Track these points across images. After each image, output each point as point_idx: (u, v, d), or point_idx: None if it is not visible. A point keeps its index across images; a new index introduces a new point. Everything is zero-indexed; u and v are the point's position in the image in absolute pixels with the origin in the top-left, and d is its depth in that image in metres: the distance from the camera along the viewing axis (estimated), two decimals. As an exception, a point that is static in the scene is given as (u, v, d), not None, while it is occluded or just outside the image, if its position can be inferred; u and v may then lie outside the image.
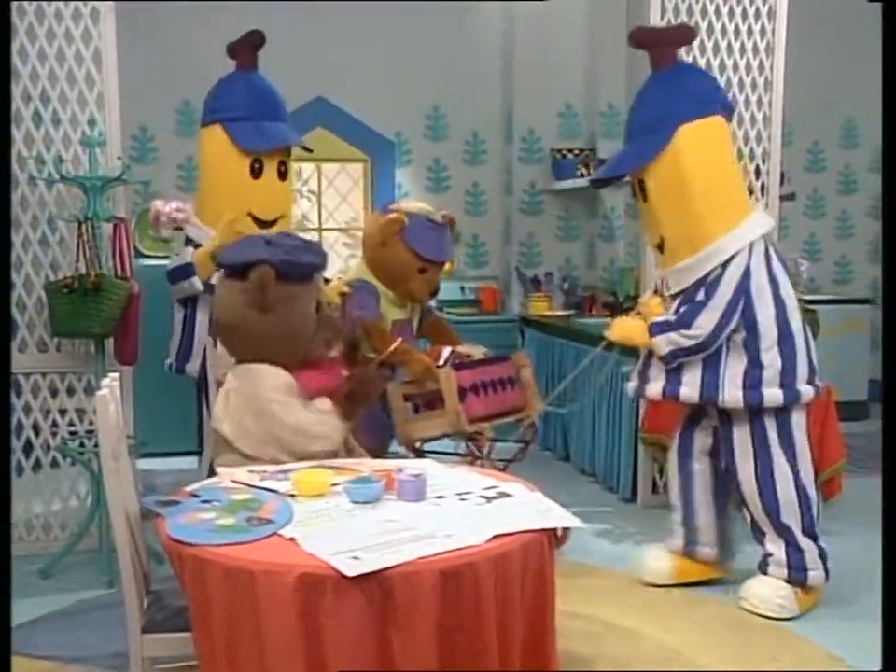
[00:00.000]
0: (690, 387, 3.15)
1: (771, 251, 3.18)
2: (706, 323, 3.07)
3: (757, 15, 4.07)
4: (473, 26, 6.15)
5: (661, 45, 3.22)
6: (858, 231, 6.87)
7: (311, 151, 4.11)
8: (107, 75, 3.65)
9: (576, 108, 6.21)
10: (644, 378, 3.28)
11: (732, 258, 3.08)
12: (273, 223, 3.64)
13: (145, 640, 2.08)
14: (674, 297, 3.25)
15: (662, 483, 4.38)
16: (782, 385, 3.11)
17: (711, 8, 4.04)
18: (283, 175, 3.73)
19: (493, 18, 6.13)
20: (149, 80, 5.49)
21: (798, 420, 3.19)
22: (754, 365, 3.11)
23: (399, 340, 3.33)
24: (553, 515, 2.10)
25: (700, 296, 3.11)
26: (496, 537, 1.88)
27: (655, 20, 4.01)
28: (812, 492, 3.21)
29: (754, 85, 4.10)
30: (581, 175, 5.86)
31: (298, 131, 5.89)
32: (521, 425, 3.92)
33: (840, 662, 2.84)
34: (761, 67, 4.10)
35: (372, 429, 3.68)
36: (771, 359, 3.11)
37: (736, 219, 3.13)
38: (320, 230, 6.26)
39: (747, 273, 3.08)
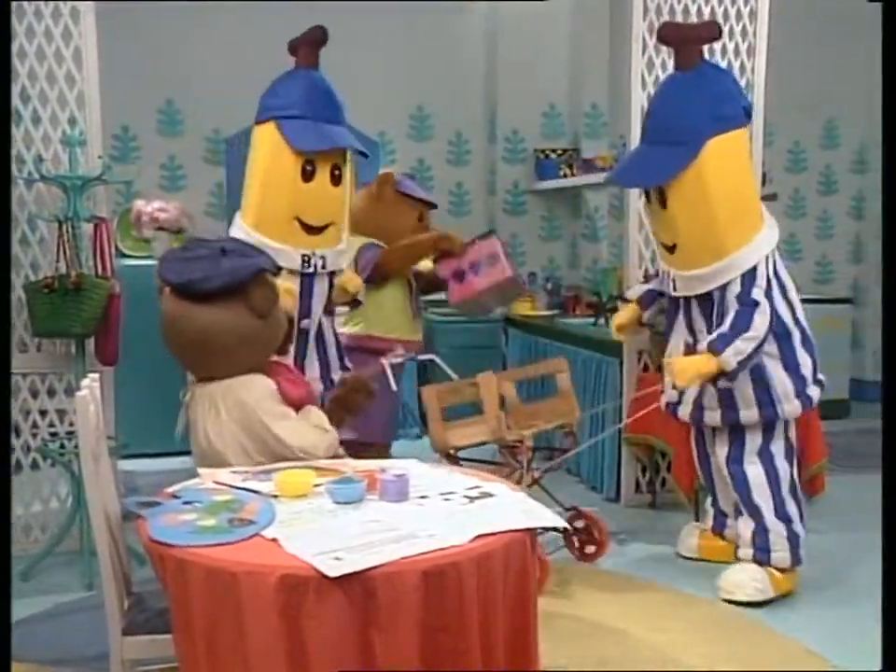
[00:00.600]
0: (747, 411, 3.25)
1: (777, 257, 3.29)
2: (760, 324, 3.10)
3: (738, 16, 4.09)
4: (457, 26, 6.15)
5: (688, 42, 3.15)
6: (838, 232, 6.92)
7: (367, 157, 3.76)
8: (88, 74, 3.62)
9: (559, 108, 6.23)
10: (700, 405, 3.33)
11: (754, 268, 3.14)
12: (322, 230, 3.42)
13: (125, 642, 2.07)
14: (674, 300, 3.36)
15: (645, 483, 4.40)
16: (817, 381, 3.33)
17: (693, 9, 4.06)
18: (336, 179, 3.44)
19: (477, 18, 6.14)
20: (131, 80, 5.46)
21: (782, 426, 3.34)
22: (792, 369, 3.25)
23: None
24: (537, 515, 2.10)
25: (735, 304, 3.13)
26: (478, 536, 1.88)
27: (638, 21, 4.03)
28: (786, 475, 3.30)
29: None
30: (565, 176, 5.88)
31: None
32: (560, 433, 3.78)
33: (824, 660, 2.85)
34: (742, 68, 4.13)
35: (377, 422, 3.93)
36: (804, 359, 3.28)
37: (753, 231, 3.19)
38: (303, 230, 6.24)
39: (769, 282, 3.17)
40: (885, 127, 2.20)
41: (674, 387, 3.30)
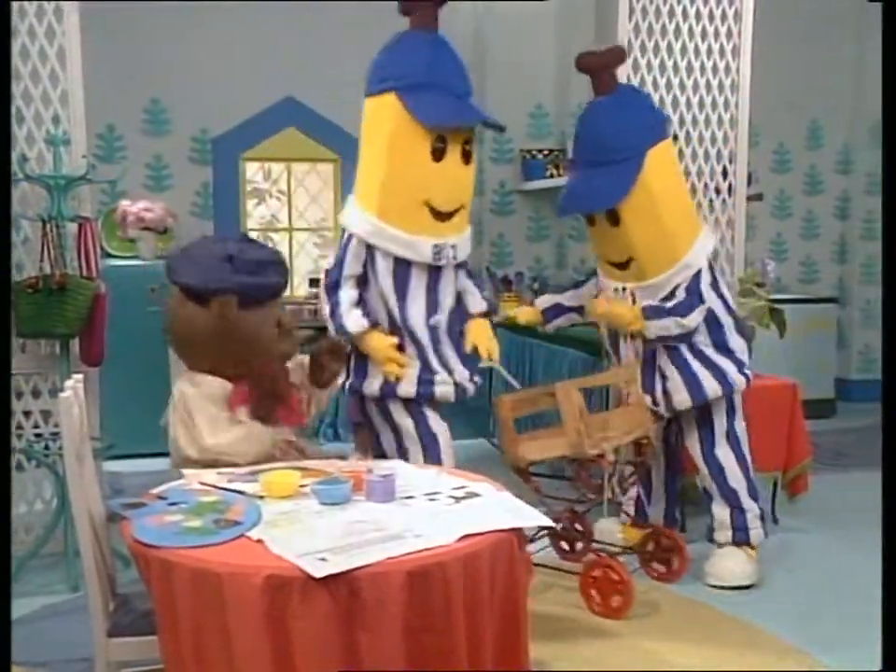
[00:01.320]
0: (679, 394, 3.40)
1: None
2: (696, 317, 3.30)
3: (723, 17, 4.10)
4: (444, 26, 6.13)
5: (605, 69, 3.34)
6: (823, 232, 6.96)
7: (503, 130, 3.51)
8: (72, 72, 3.60)
9: (546, 109, 6.23)
10: (665, 391, 3.44)
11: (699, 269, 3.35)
12: (451, 215, 3.09)
13: (110, 644, 2.06)
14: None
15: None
16: (742, 371, 3.44)
17: (678, 10, 4.06)
18: (467, 157, 3.09)
19: (464, 18, 6.13)
20: (117, 79, 5.43)
21: (740, 400, 3.52)
22: (727, 352, 3.40)
23: None
24: (523, 514, 2.10)
25: (683, 292, 3.32)
26: (465, 536, 1.88)
27: (623, 22, 4.03)
28: (748, 455, 3.50)
29: (721, 87, 4.12)
30: (551, 176, 5.88)
31: (268, 131, 5.94)
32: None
33: (806, 656, 2.87)
34: (727, 69, 4.13)
35: None
36: (739, 344, 3.44)
37: (695, 233, 3.40)
38: (290, 230, 6.23)
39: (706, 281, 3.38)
40: (885, 127, 2.18)
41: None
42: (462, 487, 2.25)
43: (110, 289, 3.57)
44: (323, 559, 1.77)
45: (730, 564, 3.41)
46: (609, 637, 3.00)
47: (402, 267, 3.04)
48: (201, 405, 2.55)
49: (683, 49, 4.08)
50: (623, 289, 3.41)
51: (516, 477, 3.15)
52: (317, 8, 5.76)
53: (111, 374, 3.98)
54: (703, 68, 4.10)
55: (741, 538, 3.46)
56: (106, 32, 5.26)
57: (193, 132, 5.81)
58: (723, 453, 3.47)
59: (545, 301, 3.80)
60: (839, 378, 6.54)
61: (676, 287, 3.32)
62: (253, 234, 6.09)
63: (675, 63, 4.08)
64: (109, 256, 5.42)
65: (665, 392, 3.43)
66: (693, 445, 3.53)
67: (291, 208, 6.24)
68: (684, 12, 4.08)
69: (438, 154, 3.00)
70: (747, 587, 3.38)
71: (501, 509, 2.10)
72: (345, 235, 3.14)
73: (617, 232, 3.31)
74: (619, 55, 3.46)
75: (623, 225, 3.29)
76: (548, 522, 2.15)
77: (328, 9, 5.78)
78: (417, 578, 1.76)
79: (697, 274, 3.33)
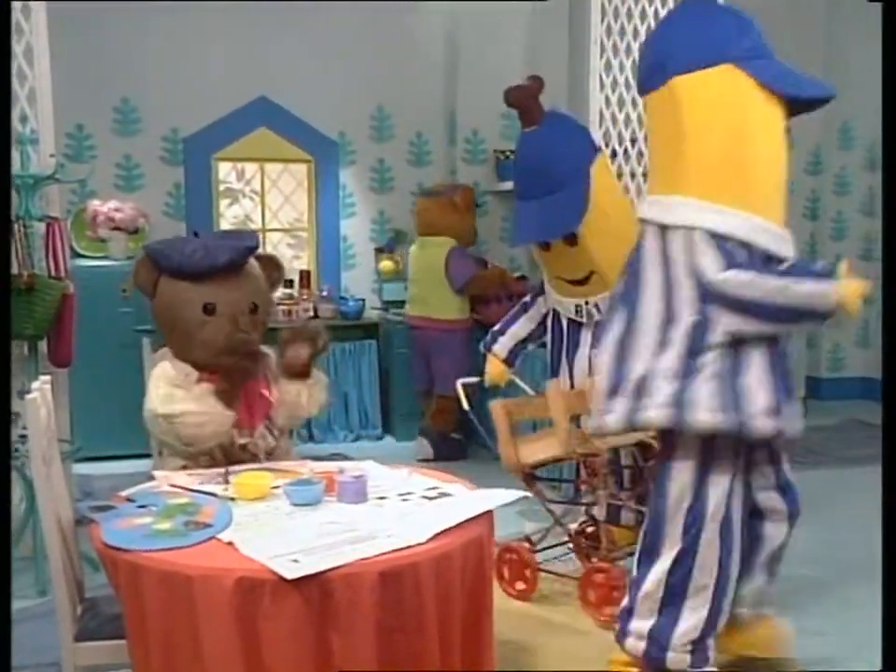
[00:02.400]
0: None
1: None
2: None
3: (694, 19, 4.12)
4: (417, 27, 6.14)
5: (533, 100, 3.45)
6: (793, 232, 6.96)
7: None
8: (40, 70, 3.55)
9: (519, 110, 6.23)
10: None
11: None
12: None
13: (78, 648, 2.03)
14: (576, 325, 3.54)
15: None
16: None
17: (650, 11, 4.08)
18: (789, 135, 2.66)
19: (436, 19, 6.13)
20: (86, 78, 5.38)
21: None
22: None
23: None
24: (494, 497, 2.13)
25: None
26: (437, 535, 1.88)
27: (595, 24, 4.05)
28: None
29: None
30: (525, 176, 5.88)
31: (240, 131, 5.90)
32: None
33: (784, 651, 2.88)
34: (698, 70, 4.15)
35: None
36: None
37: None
38: (263, 230, 6.19)
39: None
40: (885, 127, 2.18)
41: None
42: (434, 488, 2.25)
43: (80, 290, 3.53)
44: (295, 560, 1.75)
45: None
46: (576, 634, 3.00)
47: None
48: (160, 375, 2.58)
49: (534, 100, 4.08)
50: (586, 303, 3.50)
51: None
52: (290, 8, 5.73)
53: (81, 376, 3.94)
54: (675, 70, 4.12)
55: None
56: (75, 30, 5.20)
57: (164, 131, 5.76)
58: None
59: (502, 348, 3.80)
60: (809, 377, 6.60)
61: None
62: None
63: (646, 65, 4.09)
64: (79, 256, 5.36)
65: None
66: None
67: (265, 208, 6.21)
68: (656, 14, 4.10)
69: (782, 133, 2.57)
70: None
71: (472, 502, 2.10)
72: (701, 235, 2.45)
73: (576, 251, 3.40)
74: (540, 84, 3.55)
75: (582, 243, 3.38)
76: (521, 493, 2.17)
77: (301, 9, 5.76)
78: (390, 578, 1.76)
79: None
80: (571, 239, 3.39)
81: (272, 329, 3.08)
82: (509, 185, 6.02)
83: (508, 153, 6.08)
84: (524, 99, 3.48)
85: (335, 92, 5.97)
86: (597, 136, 3.97)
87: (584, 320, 3.55)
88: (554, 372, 3.69)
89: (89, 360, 3.73)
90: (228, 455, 2.57)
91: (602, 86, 4.12)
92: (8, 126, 3.31)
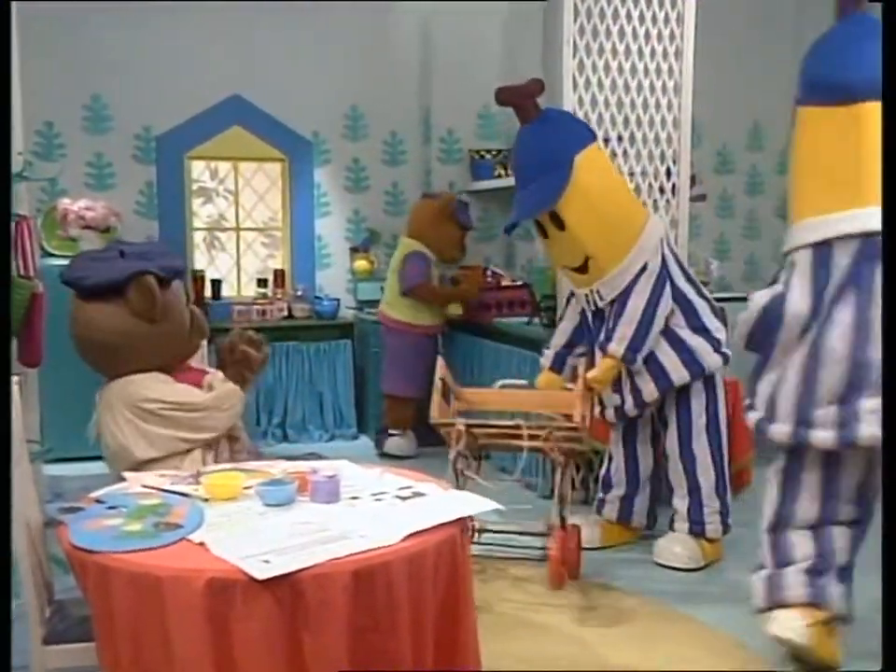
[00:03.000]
0: (676, 373, 3.56)
1: (673, 245, 3.71)
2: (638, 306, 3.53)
3: (666, 20, 4.15)
4: (391, 26, 6.13)
5: (526, 98, 3.51)
6: (765, 231, 7.08)
7: None
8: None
9: (494, 109, 6.22)
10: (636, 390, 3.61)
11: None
12: None
13: (46, 651, 2.01)
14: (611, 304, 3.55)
15: (578, 480, 4.43)
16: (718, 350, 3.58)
17: (622, 12, 4.11)
18: None
19: (410, 18, 6.12)
20: (56, 75, 5.32)
21: (720, 384, 3.65)
22: (703, 332, 3.55)
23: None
24: (468, 503, 2.12)
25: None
26: (410, 535, 1.87)
27: (568, 24, 4.06)
28: (723, 451, 3.63)
29: (664, 88, 4.18)
30: (500, 176, 5.89)
31: (213, 129, 5.86)
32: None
33: (746, 650, 2.91)
34: (670, 71, 4.18)
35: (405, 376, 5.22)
36: (714, 324, 3.59)
37: (641, 221, 3.55)
38: (237, 229, 6.15)
39: (665, 264, 3.52)
40: (885, 127, 2.17)
41: (601, 403, 3.64)
42: (408, 487, 2.24)
43: (51, 289, 3.48)
44: (266, 561, 1.74)
45: (677, 550, 3.58)
46: (545, 631, 3.01)
47: None
48: (170, 391, 2.71)
49: (627, 51, 4.13)
50: (592, 291, 3.57)
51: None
52: (264, 6, 5.70)
53: (52, 376, 3.89)
54: (646, 70, 4.15)
55: (697, 530, 3.59)
56: (45, 26, 5.14)
57: (136, 129, 5.70)
58: (700, 446, 3.59)
59: (546, 358, 3.85)
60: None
61: (640, 275, 3.46)
62: (200, 234, 6.05)
63: (619, 65, 4.12)
64: (49, 255, 5.30)
65: (634, 388, 3.57)
66: (671, 437, 3.63)
67: (238, 208, 6.17)
68: (628, 15, 4.12)
69: None
70: (693, 570, 3.56)
71: (446, 504, 2.09)
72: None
73: (566, 235, 3.48)
74: (540, 86, 3.58)
75: (569, 226, 3.45)
76: (495, 505, 2.16)
77: (274, 7, 5.73)
78: (362, 578, 1.75)
79: (630, 286, 3.47)
80: (559, 223, 3.46)
81: (245, 328, 3.11)
82: (484, 184, 6.04)
83: (483, 153, 6.08)
84: (515, 98, 3.55)
85: (309, 91, 5.94)
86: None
87: (594, 308, 3.61)
88: (556, 364, 3.80)
89: (59, 360, 3.67)
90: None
91: (575, 86, 4.14)
92: (8, 126, 3.25)
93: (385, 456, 5.27)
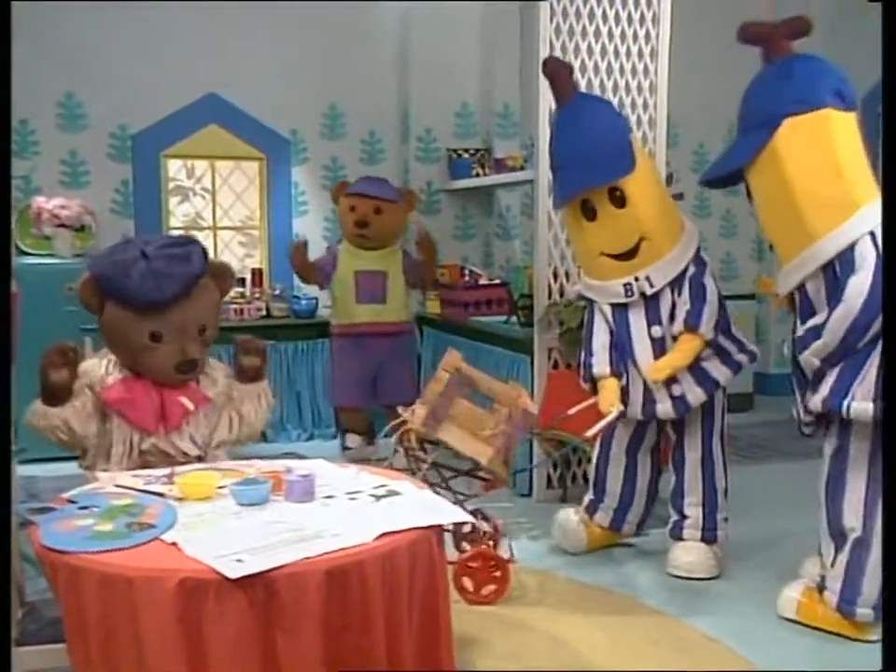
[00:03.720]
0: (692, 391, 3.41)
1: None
2: (711, 291, 3.37)
3: (642, 20, 4.17)
4: (369, 25, 6.12)
5: (567, 71, 3.37)
6: (742, 230, 7.14)
7: None
8: (-19, 64, 3.47)
9: (472, 108, 6.25)
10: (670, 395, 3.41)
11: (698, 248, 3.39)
12: None
13: (17, 653, 1.98)
14: (622, 306, 3.38)
15: (556, 478, 4.45)
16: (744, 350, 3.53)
17: (598, 12, 4.12)
18: None
19: (388, 17, 6.11)
20: (29, 72, 5.25)
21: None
22: (728, 337, 3.47)
23: None
24: (442, 512, 2.11)
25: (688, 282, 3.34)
26: (383, 535, 1.87)
27: (545, 25, 4.07)
28: (726, 456, 3.56)
29: (640, 88, 4.20)
30: (477, 175, 5.90)
31: (190, 127, 5.83)
32: None
33: (718, 644, 2.92)
34: (646, 71, 4.21)
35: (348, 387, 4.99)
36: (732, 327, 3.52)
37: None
38: (214, 228, 6.12)
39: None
40: (885, 127, 2.18)
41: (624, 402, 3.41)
42: (383, 486, 2.24)
43: (25, 288, 3.45)
44: (239, 560, 1.74)
45: (696, 558, 3.42)
46: (523, 628, 3.01)
47: None
48: None
49: (603, 51, 4.15)
50: (636, 279, 3.31)
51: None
52: (241, 4, 5.68)
53: (26, 376, 3.84)
54: (622, 70, 4.17)
55: (710, 537, 3.48)
56: (18, 22, 5.09)
57: (111, 127, 5.65)
58: (718, 451, 3.49)
59: (602, 363, 3.51)
60: (757, 372, 6.70)
61: (687, 266, 3.32)
62: (177, 233, 6.00)
63: (595, 65, 4.14)
64: (24, 254, 5.25)
65: (676, 395, 3.38)
66: (694, 443, 3.48)
67: (216, 206, 6.13)
68: (604, 15, 4.14)
69: None
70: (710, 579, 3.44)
71: (421, 506, 2.09)
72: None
73: (624, 214, 3.27)
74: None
75: (632, 204, 3.26)
76: (467, 517, 2.16)
77: (251, 5, 5.70)
78: (335, 577, 1.75)
79: (685, 271, 3.33)
80: (620, 200, 3.25)
81: (222, 328, 3.09)
82: (462, 183, 6.05)
83: (461, 152, 6.09)
84: (561, 70, 3.38)
85: (287, 90, 5.91)
86: (546, 135, 4.00)
87: (635, 298, 3.34)
88: (615, 367, 3.46)
89: (34, 360, 3.65)
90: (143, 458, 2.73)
91: (552, 85, 4.14)
92: (9, 126, 3.21)
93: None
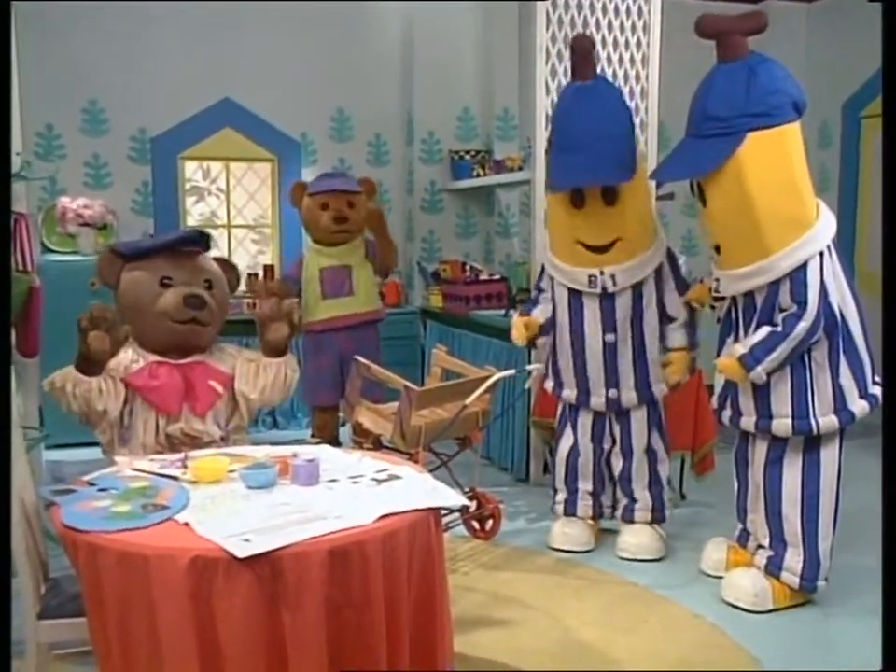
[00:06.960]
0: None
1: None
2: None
3: (633, 28, 4.17)
4: (375, 35, 6.11)
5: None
6: (730, 229, 7.12)
7: None
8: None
9: (473, 112, 6.25)
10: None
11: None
12: None
13: (40, 626, 2.01)
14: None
15: (551, 464, 4.45)
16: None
17: (592, 21, 4.12)
18: None
19: (392, 24, 6.11)
20: (55, 79, 5.28)
21: None
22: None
23: None
24: (441, 495, 2.12)
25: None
26: (383, 517, 1.89)
27: (541, 32, 4.07)
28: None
29: (632, 93, 4.20)
30: (478, 175, 5.90)
31: (205, 131, 5.84)
32: None
33: (702, 619, 2.94)
34: (637, 77, 4.21)
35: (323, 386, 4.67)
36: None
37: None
38: (228, 226, 6.14)
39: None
40: (885, 127, 2.16)
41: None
42: (384, 470, 2.25)
43: (51, 283, 3.48)
44: (247, 540, 1.75)
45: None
46: (522, 607, 3.03)
47: None
48: None
49: (596, 58, 4.13)
50: (601, 273, 3.25)
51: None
52: (253, 13, 5.68)
53: (51, 365, 3.85)
54: (615, 76, 4.16)
55: (658, 517, 3.56)
56: (44, 31, 5.11)
57: (132, 131, 5.67)
58: (655, 438, 3.55)
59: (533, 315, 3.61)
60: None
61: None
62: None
63: (590, 71, 4.12)
64: (49, 251, 5.27)
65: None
66: (640, 434, 3.52)
67: (230, 205, 6.15)
68: (597, 23, 4.14)
69: None
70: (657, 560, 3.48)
71: (420, 490, 2.10)
72: None
73: (611, 212, 3.19)
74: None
75: (621, 204, 3.18)
76: (463, 501, 2.17)
77: (264, 14, 5.71)
78: (337, 556, 1.76)
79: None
80: (612, 198, 3.17)
81: (237, 322, 3.12)
82: (463, 183, 6.05)
83: (462, 153, 6.09)
84: (588, 46, 3.25)
85: (297, 95, 5.92)
86: (543, 137, 4.00)
87: (598, 292, 3.29)
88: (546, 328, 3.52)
89: (60, 350, 3.65)
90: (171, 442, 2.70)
91: (548, 91, 4.16)
92: (8, 126, 3.23)
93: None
